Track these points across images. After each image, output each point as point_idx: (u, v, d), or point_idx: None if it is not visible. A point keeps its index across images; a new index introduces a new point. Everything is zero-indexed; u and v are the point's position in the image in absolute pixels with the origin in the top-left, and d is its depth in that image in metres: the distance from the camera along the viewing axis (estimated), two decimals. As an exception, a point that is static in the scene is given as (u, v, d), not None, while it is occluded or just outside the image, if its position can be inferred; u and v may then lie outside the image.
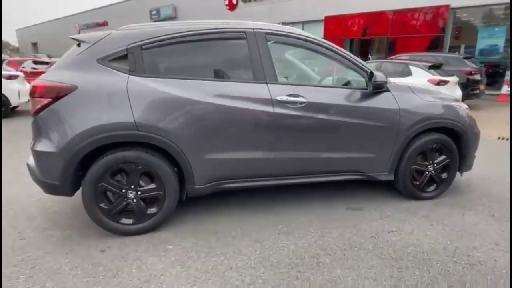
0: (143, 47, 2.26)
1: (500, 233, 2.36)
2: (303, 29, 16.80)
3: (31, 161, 2.29)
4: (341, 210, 2.73)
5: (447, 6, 11.32)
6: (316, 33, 16.53)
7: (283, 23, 17.21)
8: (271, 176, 2.56)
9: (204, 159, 2.33)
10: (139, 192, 2.27)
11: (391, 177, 2.82)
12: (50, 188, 2.22)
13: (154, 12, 23.49)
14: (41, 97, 2.11)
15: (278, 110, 2.40)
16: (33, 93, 2.15)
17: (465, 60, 8.67)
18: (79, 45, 2.29)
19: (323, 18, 14.72)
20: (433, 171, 2.89)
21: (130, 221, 2.31)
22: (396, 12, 12.53)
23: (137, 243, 2.24)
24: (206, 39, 2.41)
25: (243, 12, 18.09)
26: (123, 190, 2.25)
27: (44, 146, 2.12)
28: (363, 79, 2.67)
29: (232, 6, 18.84)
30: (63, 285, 1.83)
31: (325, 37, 13.53)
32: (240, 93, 2.35)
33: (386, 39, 13.34)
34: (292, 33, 2.59)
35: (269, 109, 2.38)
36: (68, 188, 2.19)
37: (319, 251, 2.15)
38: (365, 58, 14.07)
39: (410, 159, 2.78)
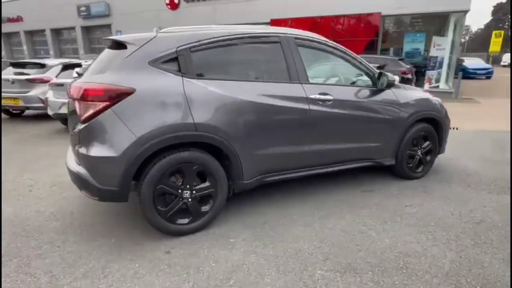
0: (192, 49, 2.32)
1: (481, 198, 3.00)
2: (248, 31, 17.29)
3: (76, 167, 2.17)
4: (358, 193, 3.12)
5: (379, 13, 12.88)
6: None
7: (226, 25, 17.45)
8: (304, 167, 2.83)
9: (252, 155, 2.48)
10: (194, 192, 2.33)
11: (393, 162, 3.31)
12: (106, 195, 2.14)
13: (83, 8, 21.47)
14: (96, 100, 2.03)
15: (312, 107, 2.67)
16: (84, 96, 2.05)
17: (400, 61, 10.04)
18: (121, 47, 2.24)
19: (269, 20, 15.33)
20: (421, 155, 3.48)
21: (185, 220, 2.35)
22: (336, 18, 13.76)
23: (197, 241, 2.29)
24: (246, 42, 2.56)
25: (185, 12, 17.75)
26: (179, 191, 2.28)
27: (101, 151, 2.05)
28: (367, 78, 3.10)
29: (174, 6, 18.32)
30: (153, 287, 1.83)
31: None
32: (281, 93, 2.57)
33: (328, 42, 14.53)
34: (314, 38, 2.89)
35: (305, 106, 2.64)
36: (127, 193, 2.15)
37: (362, 227, 2.49)
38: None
39: (407, 145, 3.31)
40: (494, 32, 20.23)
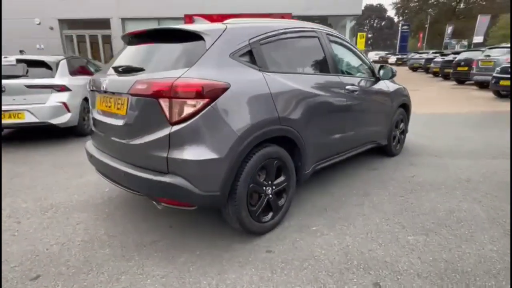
0: (261, 42, 2.26)
1: (449, 163, 3.84)
2: (158, 25, 16.27)
3: (157, 177, 1.87)
4: (367, 172, 3.57)
5: (290, 14, 14.04)
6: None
7: (135, 19, 16.04)
8: (339, 153, 3.07)
9: (312, 144, 2.59)
10: (274, 187, 2.30)
11: (386, 142, 3.88)
12: (207, 201, 1.93)
13: None
14: (195, 98, 1.80)
15: (349, 96, 2.94)
16: (179, 94, 1.79)
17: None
18: (193, 39, 2.02)
19: (182, 16, 14.82)
20: (399, 134, 4.18)
21: (268, 217, 2.30)
22: (253, 16, 14.33)
23: (285, 235, 2.30)
24: (298, 36, 2.63)
25: (82, 2, 15.51)
26: (264, 188, 2.23)
27: (205, 153, 1.84)
28: (369, 71, 3.55)
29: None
30: (287, 284, 1.79)
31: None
32: (330, 85, 2.75)
33: (245, 39, 15.00)
34: (337, 34, 3.15)
35: (344, 97, 2.89)
36: (227, 197, 1.98)
37: (399, 197, 2.90)
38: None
39: (393, 127, 3.93)
40: (358, 34, 25.05)
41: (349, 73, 3.24)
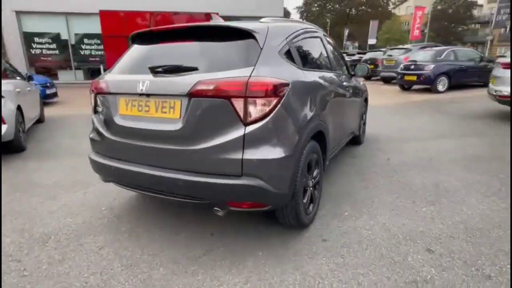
0: (293, 41, 2.33)
1: (406, 146, 4.53)
2: (66, 22, 14.33)
3: (229, 180, 1.80)
4: (351, 160, 3.97)
5: (217, 14, 13.98)
6: (88, 28, 14.60)
7: (35, 12, 13.70)
8: (339, 144, 3.35)
9: (330, 137, 2.78)
10: (313, 180, 2.42)
11: (358, 133, 4.35)
12: (281, 200, 1.93)
13: None
14: (269, 96, 1.78)
15: (345, 91, 3.23)
16: (253, 92, 1.74)
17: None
18: (242, 37, 1.97)
19: (97, 11, 13.33)
20: (363, 124, 4.73)
21: (311, 209, 2.41)
22: (174, 15, 13.77)
23: (328, 224, 2.44)
24: (309, 36, 2.76)
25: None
26: (309, 181, 2.32)
27: (280, 151, 1.84)
28: (344, 68, 3.94)
29: None
30: (368, 262, 1.95)
31: (105, 34, 12.60)
32: (336, 81, 2.99)
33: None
34: (327, 35, 3.39)
35: (343, 91, 3.17)
36: (292, 194, 2.01)
37: (390, 178, 3.34)
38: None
39: (361, 118, 4.44)
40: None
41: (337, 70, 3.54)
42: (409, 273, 1.87)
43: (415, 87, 11.24)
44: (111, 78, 2.17)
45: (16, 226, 2.49)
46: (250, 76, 1.78)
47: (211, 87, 1.78)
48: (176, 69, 1.92)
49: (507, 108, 6.30)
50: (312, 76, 2.41)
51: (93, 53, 15.09)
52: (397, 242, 2.18)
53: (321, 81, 2.55)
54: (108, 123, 2.17)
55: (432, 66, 9.98)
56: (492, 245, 2.11)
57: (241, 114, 1.76)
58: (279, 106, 1.84)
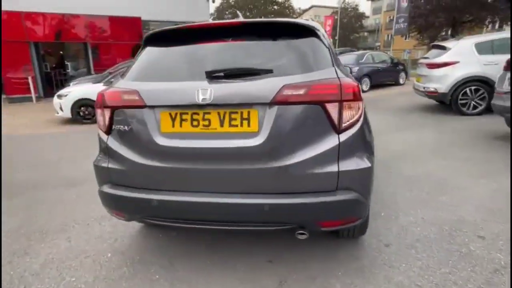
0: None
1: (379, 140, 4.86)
2: None
3: (322, 198, 1.57)
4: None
5: (139, 18, 12.91)
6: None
7: None
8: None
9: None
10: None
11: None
12: (367, 211, 1.76)
13: None
14: (358, 100, 1.60)
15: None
16: (347, 95, 1.55)
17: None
18: (307, 34, 1.77)
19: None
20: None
21: (361, 215, 2.32)
22: (94, 18, 12.20)
23: (373, 229, 2.37)
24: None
25: None
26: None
27: (368, 160, 1.67)
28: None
29: None
30: (444, 257, 1.95)
31: (4, 38, 10.46)
32: None
33: (87, 44, 12.61)
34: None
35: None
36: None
37: (391, 171, 3.50)
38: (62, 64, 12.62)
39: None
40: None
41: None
42: (485, 262, 1.93)
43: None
44: (144, 87, 1.69)
45: None
46: (338, 77, 1.59)
47: (301, 92, 1.52)
48: (244, 73, 1.60)
49: (431, 101, 7.38)
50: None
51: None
52: (449, 234, 2.25)
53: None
54: (142, 145, 1.68)
55: (356, 68, 11.08)
56: (520, 222, 2.36)
57: (335, 120, 1.55)
58: (363, 109, 1.69)
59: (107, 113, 1.76)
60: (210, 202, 1.61)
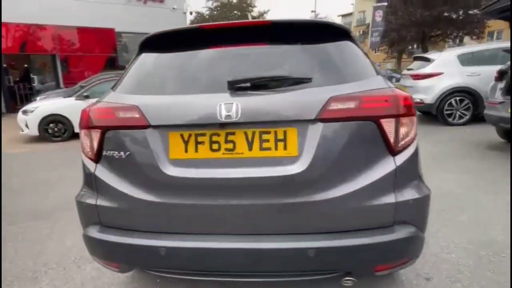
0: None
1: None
2: None
3: (382, 236, 1.27)
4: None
5: (112, 29, 12.32)
6: None
7: None
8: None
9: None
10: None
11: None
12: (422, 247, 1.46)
13: None
14: (412, 115, 1.34)
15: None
16: (403, 108, 1.27)
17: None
18: (343, 37, 1.49)
19: None
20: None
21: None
22: (63, 29, 11.46)
23: (416, 264, 2.10)
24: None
25: None
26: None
27: (425, 187, 1.41)
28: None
29: None
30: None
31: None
32: None
33: (55, 57, 11.79)
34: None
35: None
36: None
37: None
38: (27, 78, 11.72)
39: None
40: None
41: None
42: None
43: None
44: (146, 102, 1.32)
45: None
46: (390, 87, 1.31)
47: (352, 105, 1.22)
48: (276, 83, 1.28)
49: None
50: None
51: None
52: (489, 261, 2.02)
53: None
54: (145, 176, 1.30)
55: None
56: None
57: (392, 139, 1.26)
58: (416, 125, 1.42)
59: (96, 135, 1.37)
60: (234, 249, 1.25)
